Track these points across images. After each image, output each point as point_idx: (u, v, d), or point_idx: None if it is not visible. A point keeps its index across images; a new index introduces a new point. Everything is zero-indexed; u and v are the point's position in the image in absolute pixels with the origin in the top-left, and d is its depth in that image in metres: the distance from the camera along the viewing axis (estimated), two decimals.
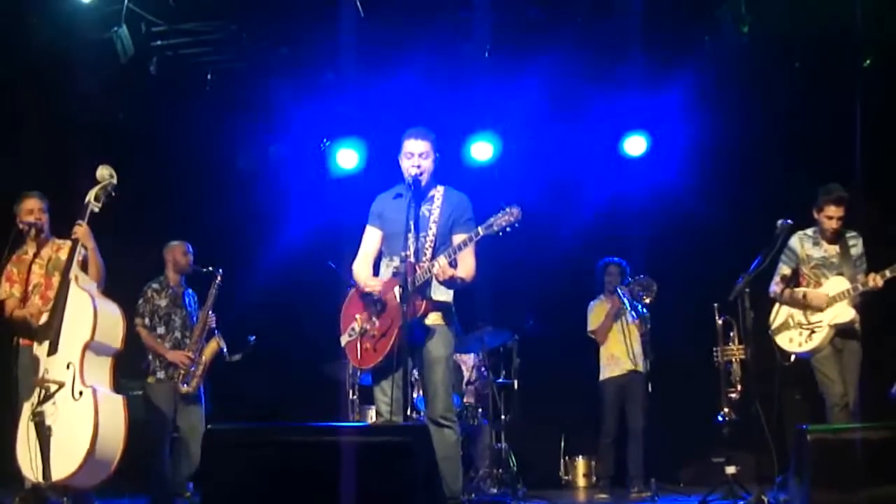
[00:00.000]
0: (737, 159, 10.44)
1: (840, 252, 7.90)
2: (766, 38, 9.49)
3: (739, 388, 8.63)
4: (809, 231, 8.03)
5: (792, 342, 7.96)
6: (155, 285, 9.02)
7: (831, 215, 7.81)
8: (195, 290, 9.20)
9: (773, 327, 8.09)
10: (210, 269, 9.07)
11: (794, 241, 8.04)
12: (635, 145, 11.24)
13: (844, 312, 7.79)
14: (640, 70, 10.09)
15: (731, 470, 7.99)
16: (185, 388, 8.71)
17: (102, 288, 7.44)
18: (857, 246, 7.94)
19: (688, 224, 10.64)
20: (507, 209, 6.04)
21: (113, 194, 7.50)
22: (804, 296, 7.92)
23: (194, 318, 9.02)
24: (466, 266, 6.36)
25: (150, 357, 8.86)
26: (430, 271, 6.24)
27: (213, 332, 8.98)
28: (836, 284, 7.84)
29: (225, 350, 8.95)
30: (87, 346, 6.95)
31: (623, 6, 9.30)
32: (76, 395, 6.82)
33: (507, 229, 6.05)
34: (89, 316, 6.98)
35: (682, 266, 10.26)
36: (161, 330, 8.88)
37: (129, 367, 9.23)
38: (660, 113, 10.90)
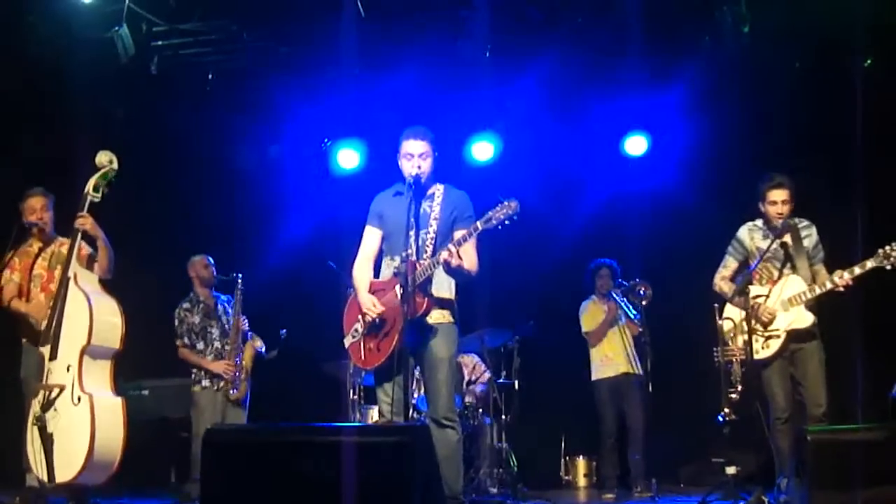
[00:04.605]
0: (737, 159, 10.42)
1: (792, 242, 7.54)
2: (766, 38, 9.48)
3: (740, 388, 8.61)
4: (759, 222, 7.74)
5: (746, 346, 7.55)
6: (186, 304, 9.27)
7: (775, 200, 7.50)
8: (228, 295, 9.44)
9: (726, 329, 7.79)
10: (232, 275, 9.29)
11: (743, 233, 7.79)
12: (636, 145, 11.23)
13: (802, 317, 7.43)
14: (641, 70, 10.09)
15: (731, 470, 7.97)
16: (234, 395, 9.02)
17: (111, 276, 7.48)
18: (810, 235, 7.60)
19: (688, 224, 10.61)
20: (505, 202, 6.02)
21: (114, 181, 7.48)
22: (755, 307, 7.51)
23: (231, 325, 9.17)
24: (470, 259, 6.36)
25: (196, 369, 9.11)
26: (431, 267, 6.23)
27: (247, 335, 9.26)
28: (793, 286, 7.50)
29: (262, 350, 9.21)
30: (84, 351, 6.96)
31: (623, 6, 9.30)
32: (75, 400, 6.85)
33: (506, 222, 6.02)
34: (85, 320, 6.98)
35: (683, 265, 10.24)
36: (200, 345, 9.16)
37: (145, 365, 9.35)
38: (660, 113, 10.89)
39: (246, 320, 9.27)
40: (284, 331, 9.42)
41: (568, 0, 9.52)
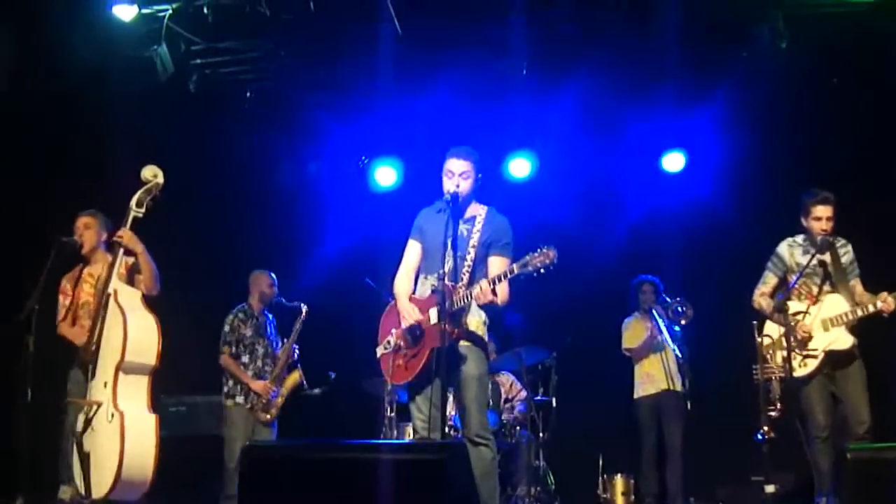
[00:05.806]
0: (775, 176, 10.36)
1: (831, 260, 7.52)
2: (803, 55, 9.42)
3: (779, 406, 8.55)
4: (799, 238, 7.71)
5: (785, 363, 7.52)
6: (240, 315, 9.27)
7: (819, 216, 7.47)
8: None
9: (765, 346, 7.70)
10: (296, 303, 9.30)
11: (783, 249, 7.75)
12: (674, 162, 11.21)
13: (842, 339, 7.38)
14: (678, 86, 10.05)
15: (770, 489, 7.90)
16: (264, 417, 9.03)
17: (157, 292, 7.47)
18: (848, 253, 7.59)
19: (727, 240, 10.55)
20: (544, 249, 5.99)
21: (158, 196, 7.45)
22: (796, 324, 7.47)
23: (276, 346, 9.17)
24: (502, 293, 6.33)
25: (231, 382, 9.11)
26: (467, 298, 6.23)
27: (295, 365, 9.27)
28: (834, 305, 7.45)
29: (305, 383, 9.17)
30: (119, 367, 6.97)
31: (660, 23, 9.28)
32: (109, 417, 6.88)
33: (542, 270, 5.99)
34: (120, 336, 6.98)
35: (721, 283, 10.18)
36: (245, 359, 9.16)
37: (185, 381, 9.38)
38: (698, 129, 10.84)
39: (297, 351, 9.29)
40: (333, 374, 9.45)
41: (605, 17, 9.49)
